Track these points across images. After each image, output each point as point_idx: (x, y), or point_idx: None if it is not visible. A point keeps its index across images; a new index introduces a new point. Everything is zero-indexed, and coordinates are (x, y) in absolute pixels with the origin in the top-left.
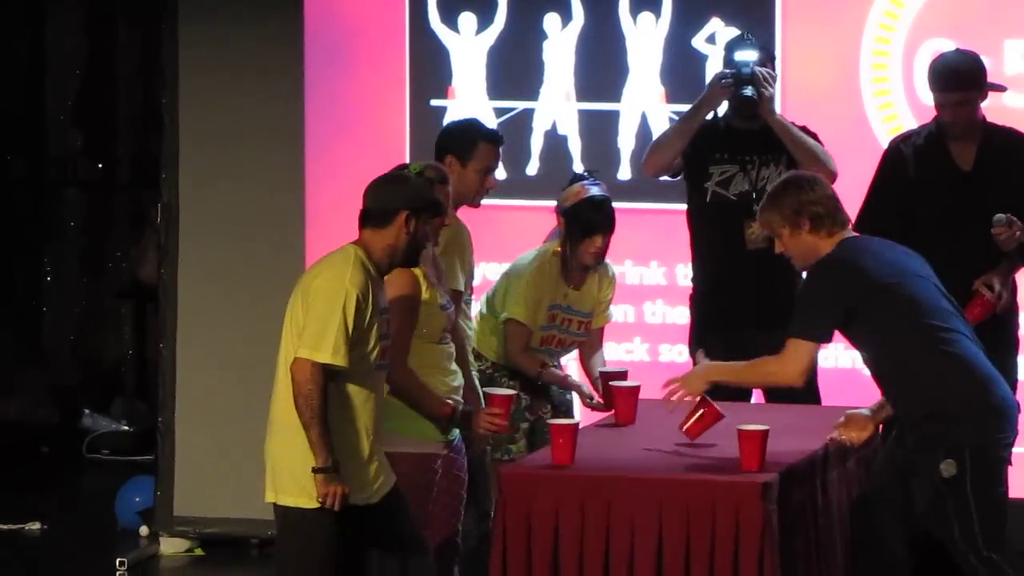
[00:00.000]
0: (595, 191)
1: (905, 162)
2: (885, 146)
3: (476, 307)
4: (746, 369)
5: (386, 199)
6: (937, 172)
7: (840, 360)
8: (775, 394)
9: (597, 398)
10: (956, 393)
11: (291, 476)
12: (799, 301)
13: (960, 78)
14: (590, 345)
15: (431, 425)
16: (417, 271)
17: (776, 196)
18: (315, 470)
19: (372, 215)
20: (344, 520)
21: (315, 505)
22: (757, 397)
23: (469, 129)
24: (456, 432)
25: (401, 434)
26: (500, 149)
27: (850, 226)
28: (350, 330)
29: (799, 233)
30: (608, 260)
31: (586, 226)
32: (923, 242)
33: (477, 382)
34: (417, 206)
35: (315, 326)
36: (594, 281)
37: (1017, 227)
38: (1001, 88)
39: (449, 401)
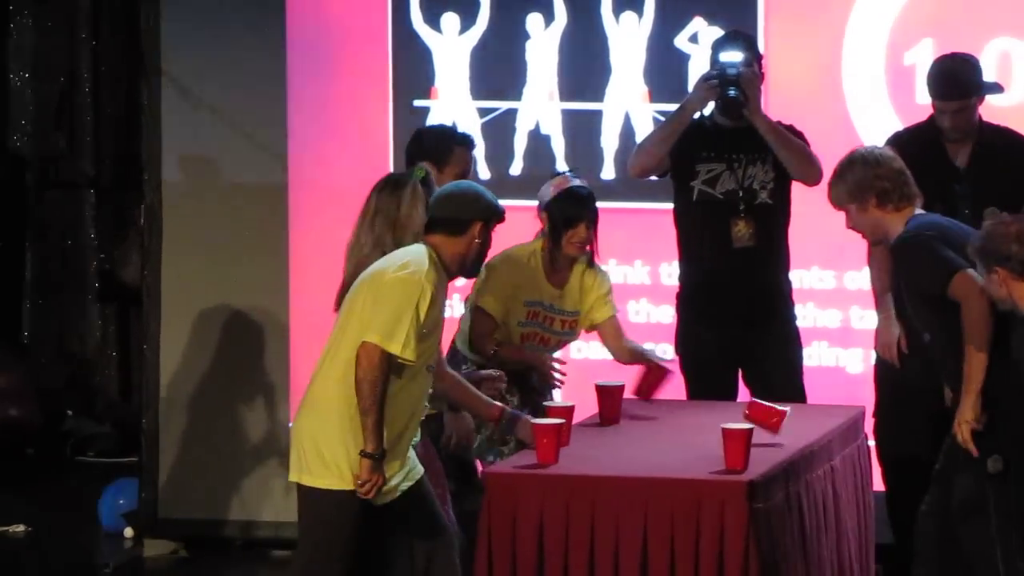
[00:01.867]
0: (576, 183)
1: (902, 156)
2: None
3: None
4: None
5: (461, 209)
6: (933, 169)
7: (824, 358)
8: (760, 392)
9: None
10: (1009, 386)
11: (319, 458)
12: (912, 281)
13: (959, 86)
14: (614, 338)
15: None
16: None
17: (843, 171)
18: (364, 454)
19: (444, 223)
20: (365, 511)
21: (343, 488)
22: (743, 395)
23: (443, 135)
24: (418, 433)
25: None
26: (473, 153)
27: (918, 202)
28: (419, 326)
29: (866, 208)
30: (595, 262)
31: (569, 216)
32: None
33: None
34: (489, 217)
35: (389, 316)
36: (577, 280)
37: None
38: (999, 89)
39: (498, 404)
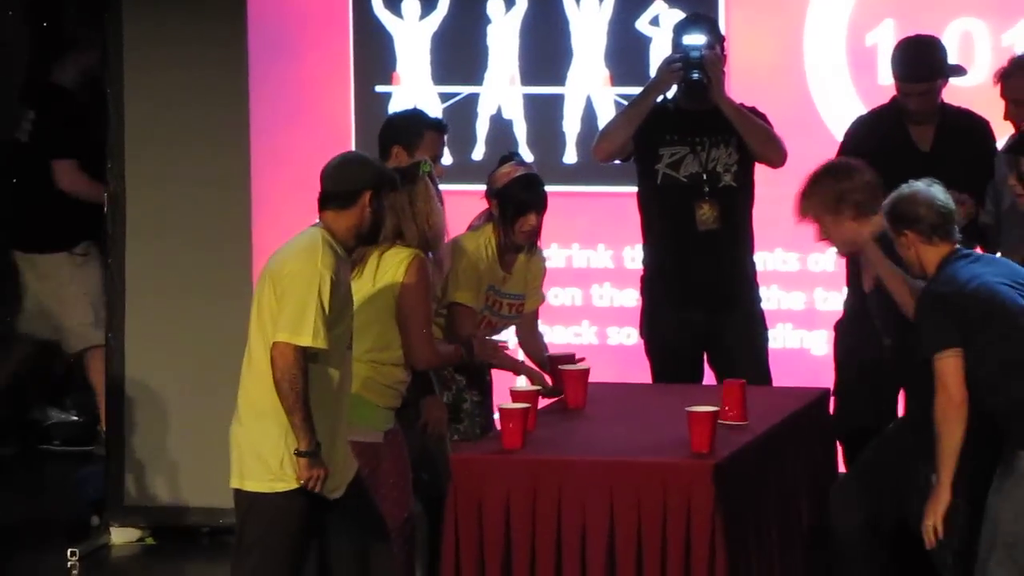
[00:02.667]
0: (523, 171)
1: (865, 143)
2: (829, 126)
3: None
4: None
5: (349, 181)
6: (896, 153)
7: (788, 341)
8: (725, 375)
9: (548, 381)
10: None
11: (259, 461)
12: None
13: (925, 68)
14: (529, 328)
15: (373, 414)
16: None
17: (815, 184)
18: (299, 453)
19: (334, 197)
20: (310, 508)
21: (282, 489)
22: (708, 379)
23: (414, 119)
24: (393, 419)
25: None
26: (445, 137)
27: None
28: (327, 312)
29: (841, 221)
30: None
31: (519, 205)
32: None
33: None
34: (379, 185)
35: (293, 310)
36: (523, 264)
37: (967, 205)
38: (962, 71)
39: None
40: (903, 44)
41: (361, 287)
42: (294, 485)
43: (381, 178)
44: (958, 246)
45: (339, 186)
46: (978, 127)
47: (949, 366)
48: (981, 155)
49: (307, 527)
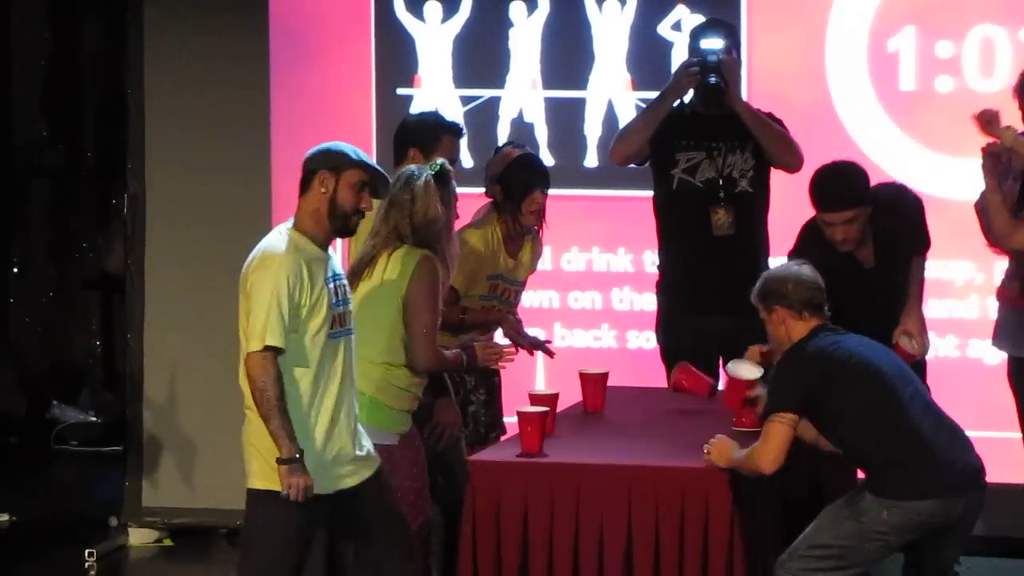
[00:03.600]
0: (521, 152)
1: (815, 247)
2: (850, 131)
3: None
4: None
5: (306, 164)
6: (841, 270)
7: None
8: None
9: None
10: None
11: (261, 460)
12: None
13: (848, 196)
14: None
15: (387, 417)
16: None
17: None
18: (278, 461)
19: (301, 182)
20: (311, 507)
21: (279, 489)
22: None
23: (431, 122)
24: (409, 422)
25: (363, 424)
26: (461, 140)
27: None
28: (286, 312)
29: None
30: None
31: (523, 185)
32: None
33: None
34: (333, 165)
35: (255, 317)
36: (527, 251)
37: (920, 340)
38: (876, 201)
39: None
40: (819, 173)
41: (370, 288)
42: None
43: (335, 159)
44: (827, 323)
45: (302, 170)
46: (899, 201)
47: (781, 432)
48: (906, 228)
49: (307, 526)
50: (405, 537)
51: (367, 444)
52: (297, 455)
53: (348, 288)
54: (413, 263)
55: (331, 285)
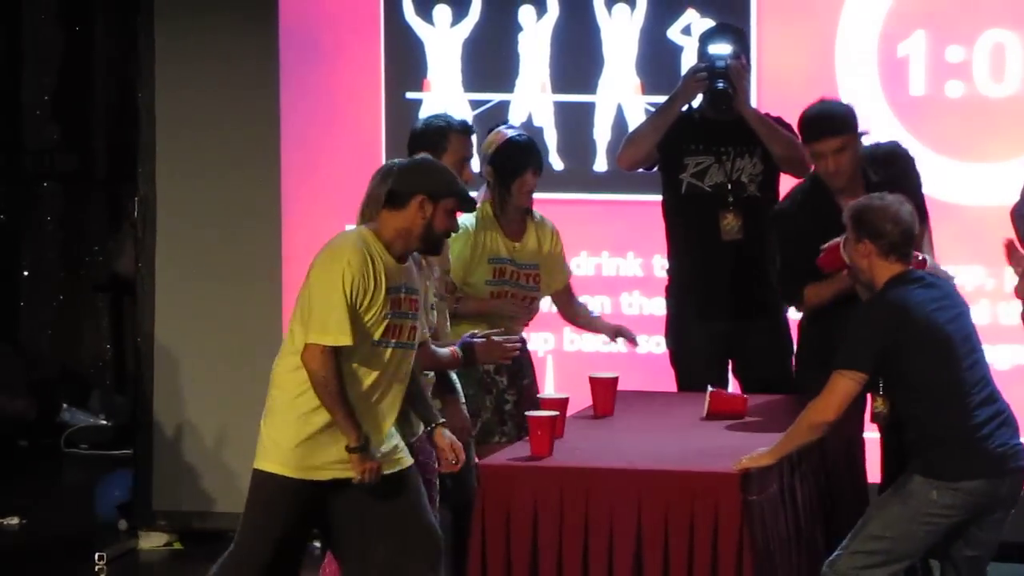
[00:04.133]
0: (513, 133)
1: (796, 227)
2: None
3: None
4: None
5: (406, 183)
6: (832, 226)
7: None
8: (750, 384)
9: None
10: None
11: (275, 446)
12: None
13: (835, 123)
14: (566, 302)
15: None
16: None
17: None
18: (349, 450)
19: (391, 196)
20: (311, 498)
21: (285, 474)
22: (733, 387)
23: (439, 123)
24: (421, 427)
25: None
26: (473, 138)
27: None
28: (351, 306)
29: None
30: (540, 214)
31: (515, 166)
32: None
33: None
34: (435, 191)
35: (319, 309)
36: (532, 234)
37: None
38: (865, 133)
39: (453, 347)
40: (807, 109)
41: None
42: (292, 474)
43: (438, 185)
44: (911, 268)
45: (397, 186)
46: (892, 159)
47: (845, 388)
48: (902, 185)
49: (301, 516)
50: (429, 542)
51: (394, 441)
52: (364, 443)
53: (419, 303)
54: None
55: (396, 296)
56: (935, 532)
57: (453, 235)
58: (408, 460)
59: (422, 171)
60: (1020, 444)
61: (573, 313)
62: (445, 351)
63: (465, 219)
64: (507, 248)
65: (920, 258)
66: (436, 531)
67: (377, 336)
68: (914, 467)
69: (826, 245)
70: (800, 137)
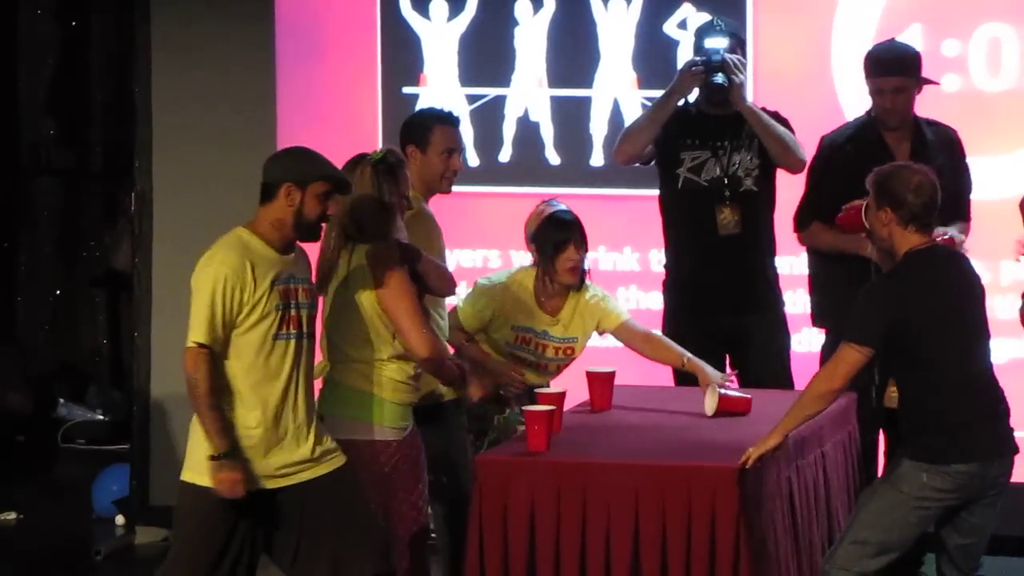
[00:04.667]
0: (554, 208)
1: (842, 156)
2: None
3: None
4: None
5: (270, 173)
6: (874, 163)
7: (814, 344)
8: (746, 378)
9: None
10: None
11: (193, 454)
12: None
13: (899, 63)
14: (634, 340)
15: (388, 412)
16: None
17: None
18: (210, 458)
19: (263, 189)
20: (241, 504)
21: (201, 483)
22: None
23: (423, 116)
24: (409, 416)
25: (356, 421)
26: (458, 129)
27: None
28: (219, 310)
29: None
30: (589, 282)
31: (556, 242)
32: None
33: None
34: (300, 178)
35: (191, 314)
36: (571, 306)
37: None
38: (933, 82)
39: (461, 363)
40: (876, 45)
41: (340, 292)
42: (207, 483)
43: (301, 172)
44: (935, 242)
45: (265, 177)
46: (950, 141)
47: (853, 359)
48: (955, 167)
49: (228, 522)
50: (372, 535)
51: (326, 444)
52: (226, 451)
53: (312, 292)
54: (365, 261)
55: (282, 286)
56: (927, 517)
57: (481, 289)
58: (340, 460)
59: (287, 160)
60: (1008, 428)
61: (648, 347)
62: (452, 360)
63: (497, 280)
64: (540, 320)
65: (947, 235)
66: (377, 522)
67: (275, 329)
68: (903, 452)
69: (848, 205)
70: (865, 69)
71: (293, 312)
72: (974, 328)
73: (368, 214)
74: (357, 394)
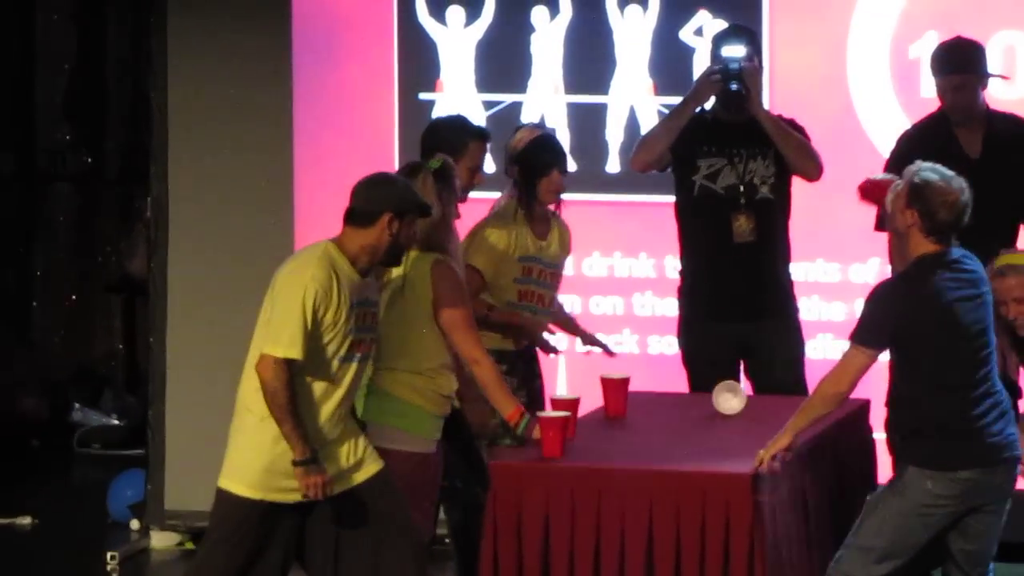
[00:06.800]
0: (541, 132)
1: (914, 152)
2: (872, 137)
3: None
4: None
5: (372, 200)
6: (946, 160)
7: (829, 351)
8: (762, 385)
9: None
10: None
11: (244, 467)
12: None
13: (957, 61)
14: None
15: (427, 424)
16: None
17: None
18: (294, 463)
19: (356, 214)
20: (269, 517)
21: (242, 494)
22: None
23: (458, 127)
24: (441, 428)
25: (396, 429)
26: (488, 145)
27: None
28: (309, 323)
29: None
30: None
31: (541, 164)
32: None
33: None
34: (401, 209)
35: (277, 321)
36: (555, 232)
37: None
38: (1004, 76)
39: (521, 406)
40: (942, 42)
41: (394, 299)
42: (248, 494)
43: (404, 203)
44: (944, 251)
45: (362, 204)
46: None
47: (858, 362)
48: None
49: (262, 534)
50: (408, 544)
51: (362, 452)
52: (310, 456)
53: (377, 317)
54: (427, 271)
55: (360, 311)
56: (932, 525)
57: (488, 226)
58: (377, 466)
59: (386, 188)
60: (1014, 434)
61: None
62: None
63: (500, 214)
64: (534, 246)
65: None
66: (414, 529)
67: (344, 351)
68: (907, 459)
69: (877, 178)
70: (931, 68)
71: (362, 336)
72: (979, 337)
73: (428, 223)
74: (400, 404)
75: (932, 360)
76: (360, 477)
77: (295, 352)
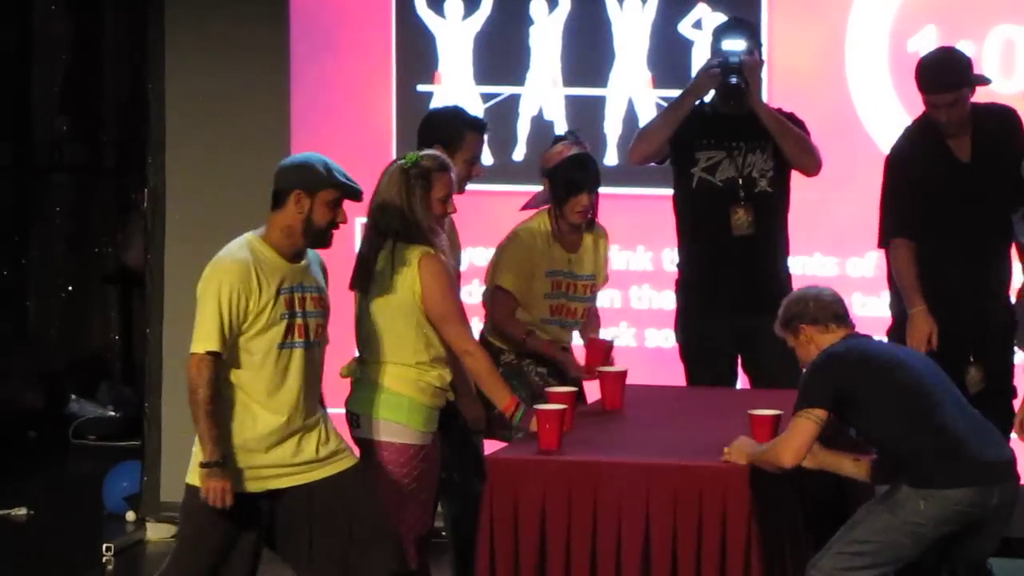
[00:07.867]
0: (576, 150)
1: (908, 165)
2: (870, 131)
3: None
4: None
5: (280, 180)
6: (940, 168)
7: None
8: (758, 379)
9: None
10: None
11: (197, 457)
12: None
13: (949, 79)
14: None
15: (422, 416)
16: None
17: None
18: (200, 464)
19: (273, 196)
20: (238, 507)
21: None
22: (742, 382)
23: (455, 119)
24: (437, 420)
25: (390, 422)
26: (485, 136)
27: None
28: (226, 316)
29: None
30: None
31: (569, 185)
32: (933, 237)
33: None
34: (310, 187)
35: (197, 320)
36: (590, 242)
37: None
38: (985, 81)
39: (513, 395)
40: (925, 57)
41: (380, 293)
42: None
43: (312, 181)
44: (855, 332)
45: (275, 184)
46: (1010, 127)
47: (807, 427)
48: (1017, 155)
49: (231, 525)
50: (384, 535)
51: (333, 445)
52: (217, 459)
53: (323, 301)
54: (415, 264)
55: (290, 295)
56: (921, 542)
57: (512, 244)
58: (349, 461)
59: (296, 167)
60: (1007, 454)
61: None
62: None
63: (528, 229)
64: (563, 260)
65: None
66: (388, 522)
67: (280, 338)
68: (902, 479)
69: (758, 412)
70: (916, 83)
71: (300, 321)
72: (925, 369)
73: (398, 214)
74: (394, 396)
75: (888, 395)
76: (331, 470)
77: (212, 344)
